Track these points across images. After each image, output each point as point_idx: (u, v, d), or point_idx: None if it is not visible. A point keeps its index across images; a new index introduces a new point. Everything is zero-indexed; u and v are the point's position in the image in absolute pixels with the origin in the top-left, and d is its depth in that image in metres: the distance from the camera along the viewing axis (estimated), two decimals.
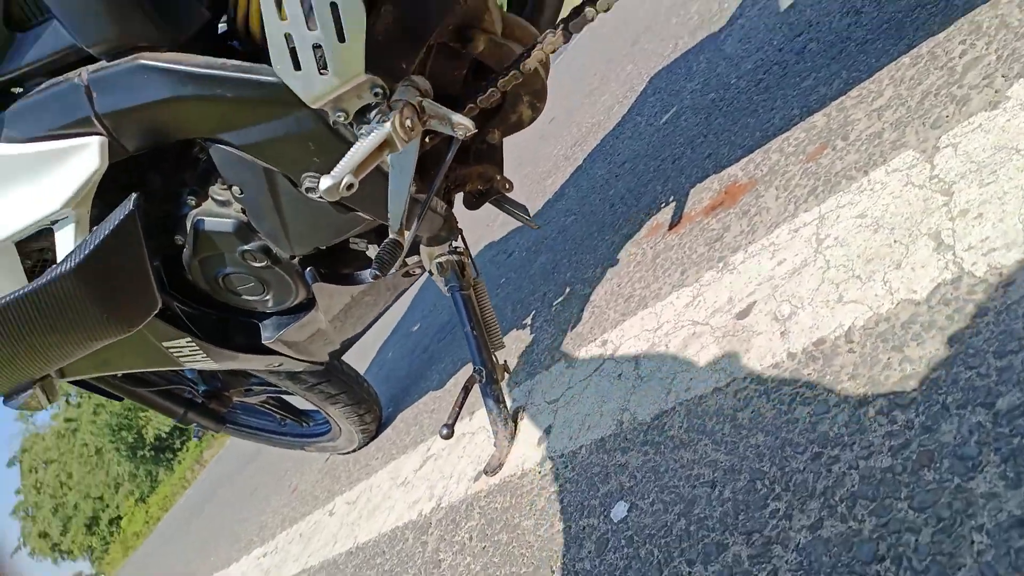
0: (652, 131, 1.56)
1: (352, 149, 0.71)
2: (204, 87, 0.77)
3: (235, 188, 0.92)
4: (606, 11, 0.82)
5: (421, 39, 0.78)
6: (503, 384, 1.09)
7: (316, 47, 0.71)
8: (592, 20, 0.83)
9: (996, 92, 0.65)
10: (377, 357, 2.79)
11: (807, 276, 0.70)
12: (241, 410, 1.82)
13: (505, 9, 0.98)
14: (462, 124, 0.77)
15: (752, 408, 0.64)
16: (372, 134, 0.72)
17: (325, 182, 0.68)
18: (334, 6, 0.67)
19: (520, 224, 1.46)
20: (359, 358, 2.81)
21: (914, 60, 0.81)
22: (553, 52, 0.85)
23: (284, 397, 1.78)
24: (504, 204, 1.09)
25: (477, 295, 1.08)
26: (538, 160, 2.58)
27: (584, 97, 2.71)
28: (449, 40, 0.87)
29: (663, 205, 1.19)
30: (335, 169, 0.69)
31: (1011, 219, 0.54)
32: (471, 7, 0.83)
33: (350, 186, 0.69)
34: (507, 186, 1.06)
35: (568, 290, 1.32)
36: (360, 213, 0.97)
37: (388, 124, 0.72)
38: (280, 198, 0.93)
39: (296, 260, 1.09)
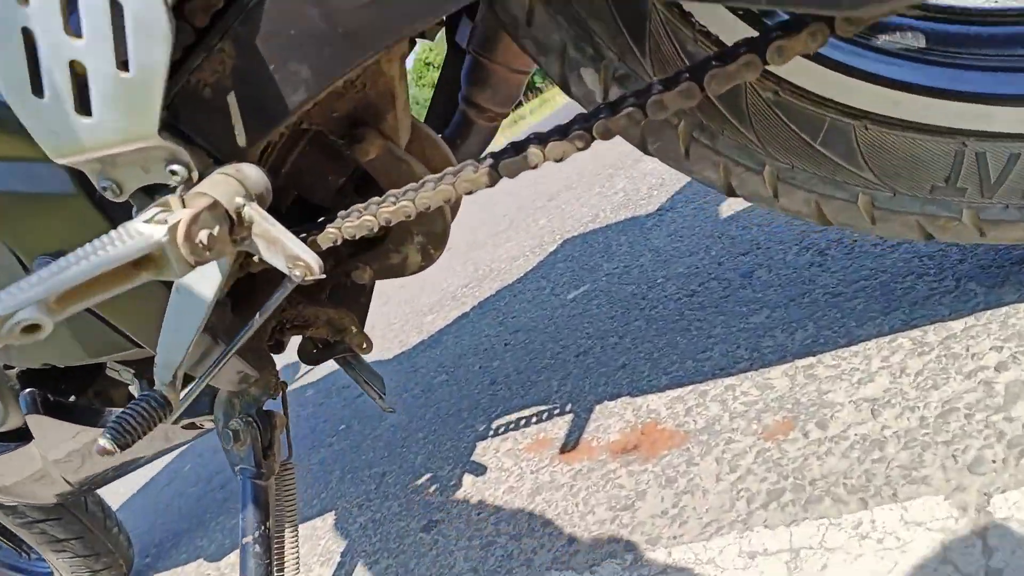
0: (557, 304, 1.34)
1: (67, 258, 0.38)
2: None
3: None
4: (558, 160, 0.58)
5: (283, 113, 0.49)
6: None
7: (75, 67, 0.40)
8: (535, 167, 0.58)
9: None
10: (159, 474, 2.19)
11: None
12: None
13: (422, 119, 0.73)
14: (302, 262, 0.47)
15: None
16: (125, 239, 0.40)
17: None
18: (115, 5, 0.38)
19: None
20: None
21: (919, 347, 0.62)
22: (468, 193, 0.59)
23: None
24: (353, 369, 0.78)
25: (280, 489, 0.73)
26: (423, 288, 2.30)
27: (489, 236, 2.52)
28: (330, 130, 0.59)
29: (556, 412, 0.92)
30: (12, 289, 0.36)
31: None
32: (372, 96, 0.56)
33: (30, 328, 0.35)
34: (364, 345, 0.75)
35: (410, 482, 1.00)
36: (123, 333, 0.62)
37: (161, 229, 0.41)
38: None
39: (14, 372, 0.71)
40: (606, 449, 0.77)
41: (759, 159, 0.56)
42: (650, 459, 0.71)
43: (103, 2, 0.37)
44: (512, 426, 0.97)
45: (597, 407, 0.87)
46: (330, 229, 0.56)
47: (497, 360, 1.25)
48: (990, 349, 0.57)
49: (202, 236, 0.42)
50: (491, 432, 0.99)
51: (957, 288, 0.66)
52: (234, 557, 1.20)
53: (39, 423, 0.72)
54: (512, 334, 1.33)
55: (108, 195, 0.47)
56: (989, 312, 0.61)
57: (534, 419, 0.95)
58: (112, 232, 0.40)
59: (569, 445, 0.83)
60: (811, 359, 0.70)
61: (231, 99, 0.46)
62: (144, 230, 0.40)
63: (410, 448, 1.11)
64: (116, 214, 0.53)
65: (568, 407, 0.92)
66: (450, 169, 0.54)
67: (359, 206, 0.55)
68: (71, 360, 0.66)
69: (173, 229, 0.41)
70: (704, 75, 0.43)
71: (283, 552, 0.72)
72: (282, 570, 0.71)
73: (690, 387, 0.79)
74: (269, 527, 0.70)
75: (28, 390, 0.71)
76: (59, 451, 0.79)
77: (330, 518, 1.08)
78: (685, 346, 0.89)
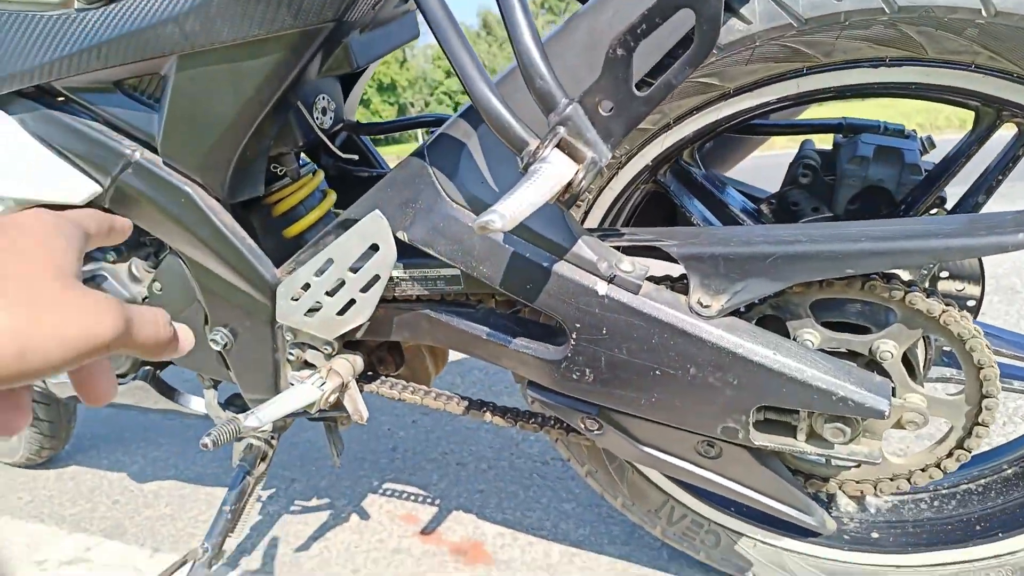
0: None
1: (279, 398, 0.84)
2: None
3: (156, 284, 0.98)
4: None
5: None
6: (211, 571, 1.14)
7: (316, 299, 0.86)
8: None
9: None
10: None
11: None
12: None
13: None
14: (358, 415, 0.94)
15: None
16: (304, 392, 0.86)
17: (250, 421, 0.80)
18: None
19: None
20: None
21: None
22: None
23: None
24: (332, 431, 1.23)
25: (253, 487, 1.17)
26: None
27: None
28: None
29: (428, 501, 1.40)
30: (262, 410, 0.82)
31: None
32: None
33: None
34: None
35: (312, 497, 1.44)
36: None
37: (317, 393, 0.87)
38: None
39: None
40: (447, 545, 1.26)
41: None
42: (469, 565, 1.20)
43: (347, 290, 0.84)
44: (397, 494, 1.43)
45: (454, 512, 1.36)
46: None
47: (403, 431, 1.72)
48: None
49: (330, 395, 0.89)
50: (381, 490, 1.46)
51: None
52: (155, 486, 1.58)
53: None
54: (421, 415, 1.80)
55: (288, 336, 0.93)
56: None
57: (412, 497, 1.42)
58: (299, 384, 0.86)
59: (428, 529, 1.31)
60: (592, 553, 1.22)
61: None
62: (311, 392, 0.86)
63: (320, 470, 1.55)
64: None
65: (437, 501, 1.40)
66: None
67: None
68: None
69: (325, 389, 0.87)
70: None
71: (239, 519, 1.16)
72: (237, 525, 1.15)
73: (512, 529, 1.29)
74: (242, 502, 1.14)
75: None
76: None
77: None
78: (523, 498, 1.39)
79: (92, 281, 0.99)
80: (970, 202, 0.72)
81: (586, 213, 0.81)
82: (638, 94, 0.58)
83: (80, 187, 0.89)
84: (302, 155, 1.07)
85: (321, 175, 1.03)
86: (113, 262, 0.99)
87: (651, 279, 0.74)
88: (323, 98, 0.93)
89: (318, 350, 0.93)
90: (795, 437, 0.74)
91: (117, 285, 1.00)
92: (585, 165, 0.61)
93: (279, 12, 0.68)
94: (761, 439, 0.74)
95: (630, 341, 0.72)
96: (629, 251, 0.75)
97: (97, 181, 0.89)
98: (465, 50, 0.66)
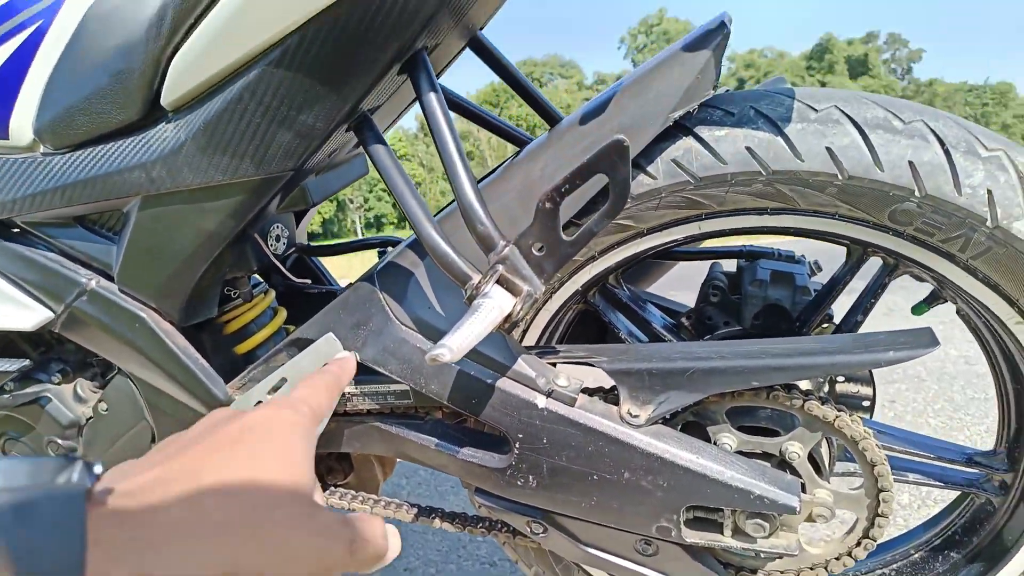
0: None
1: None
2: None
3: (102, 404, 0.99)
4: None
5: None
6: None
7: None
8: None
9: None
10: None
11: None
12: None
13: None
14: None
15: None
16: None
17: None
18: None
19: None
20: None
21: None
22: None
23: None
24: None
25: None
26: None
27: None
28: None
29: None
30: None
31: None
32: None
33: None
34: None
35: None
36: None
37: None
38: None
39: None
40: None
41: None
42: None
43: None
44: None
45: None
46: None
47: None
48: None
49: None
50: None
51: None
52: None
53: None
54: None
55: None
56: None
57: None
58: None
59: None
60: None
61: None
62: None
63: None
64: None
65: None
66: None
67: None
68: None
69: None
70: None
71: None
72: None
73: None
74: None
75: None
76: None
77: None
78: None
79: (36, 403, 0.99)
80: (851, 320, 0.84)
81: (524, 332, 0.89)
82: (565, 239, 0.68)
83: (31, 314, 0.91)
84: (255, 275, 1.12)
85: (272, 294, 1.08)
86: (58, 383, 1.00)
87: (586, 390, 0.82)
88: (277, 226, 0.99)
89: None
90: (722, 533, 0.80)
91: (62, 406, 1.00)
92: (522, 298, 0.69)
93: (243, 163, 0.76)
94: (692, 536, 0.80)
95: (569, 449, 0.78)
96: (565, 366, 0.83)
97: (50, 308, 0.91)
98: (411, 193, 0.75)
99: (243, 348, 1.02)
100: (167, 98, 0.75)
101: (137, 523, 0.30)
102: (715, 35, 0.72)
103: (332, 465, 1.05)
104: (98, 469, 0.30)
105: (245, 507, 0.33)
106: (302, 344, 0.87)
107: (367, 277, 0.86)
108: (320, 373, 0.63)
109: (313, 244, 1.18)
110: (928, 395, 2.38)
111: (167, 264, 0.85)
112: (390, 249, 1.22)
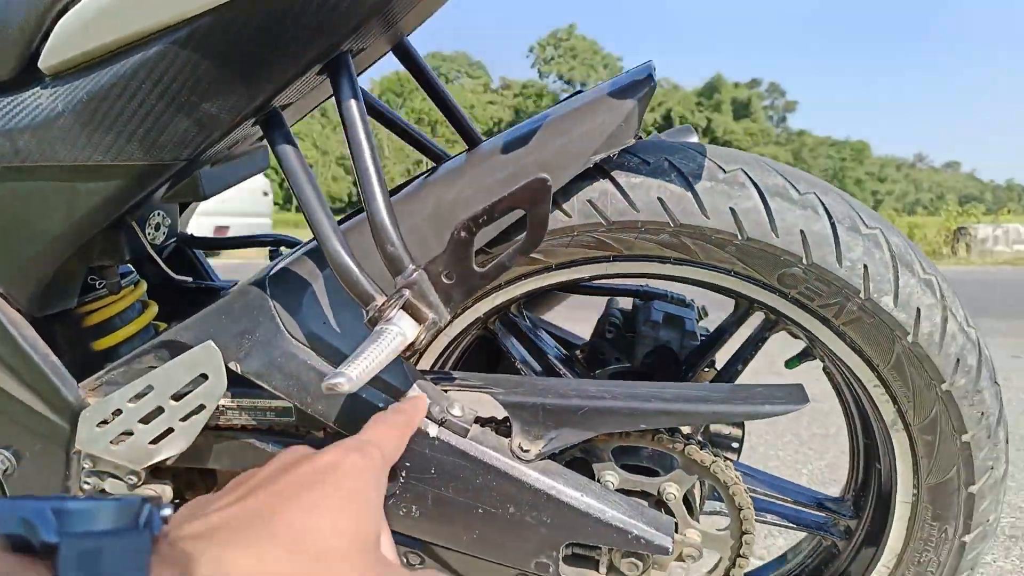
0: None
1: None
2: None
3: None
4: None
5: None
6: None
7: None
8: None
9: None
10: None
11: None
12: None
13: None
14: None
15: None
16: None
17: None
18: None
19: None
20: None
21: None
22: None
23: None
24: None
25: None
26: None
27: None
28: None
29: None
30: None
31: None
32: None
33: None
34: None
35: None
36: None
37: None
38: None
39: None
40: None
41: None
42: None
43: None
44: None
45: None
46: None
47: None
48: None
49: None
50: None
51: None
52: None
53: None
54: None
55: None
56: None
57: None
58: None
59: None
60: None
61: None
62: None
63: None
64: None
65: None
66: None
67: None
68: None
69: None
70: None
71: None
72: None
73: None
74: None
75: None
76: None
77: None
78: None
79: None
80: (732, 369, 0.89)
81: (420, 355, 0.86)
82: (477, 270, 0.66)
83: None
84: (125, 263, 1.01)
85: (144, 286, 0.99)
86: None
87: (478, 419, 0.81)
88: (158, 214, 0.90)
89: (120, 479, 0.85)
90: (598, 570, 0.82)
91: None
92: (426, 325, 0.67)
93: (129, 145, 0.68)
94: (569, 573, 0.80)
95: (457, 481, 0.77)
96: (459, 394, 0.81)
97: None
98: (316, 198, 0.71)
99: (103, 344, 0.92)
100: (47, 61, 0.66)
101: (203, 573, 0.30)
102: (642, 86, 0.74)
103: (194, 480, 0.96)
104: (167, 512, 0.31)
105: (311, 559, 0.33)
106: (174, 347, 0.80)
107: (257, 281, 0.80)
108: (392, 413, 0.61)
109: (196, 236, 1.08)
110: (779, 428, 2.59)
111: (24, 246, 0.75)
112: (284, 250, 1.15)
